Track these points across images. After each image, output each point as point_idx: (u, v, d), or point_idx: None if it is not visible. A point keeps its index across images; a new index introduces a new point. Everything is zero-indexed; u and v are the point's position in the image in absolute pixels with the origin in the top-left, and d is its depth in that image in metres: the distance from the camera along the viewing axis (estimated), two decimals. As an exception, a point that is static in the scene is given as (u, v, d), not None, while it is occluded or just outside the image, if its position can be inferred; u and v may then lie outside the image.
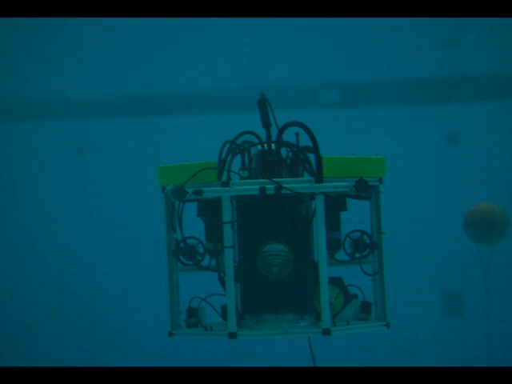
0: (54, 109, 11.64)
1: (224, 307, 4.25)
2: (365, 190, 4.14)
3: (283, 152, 4.31)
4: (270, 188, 4.10)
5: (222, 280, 4.27)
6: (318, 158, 4.18)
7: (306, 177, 4.28)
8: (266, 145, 4.27)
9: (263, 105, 4.29)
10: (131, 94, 11.43)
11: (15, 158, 11.79)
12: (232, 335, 4.12)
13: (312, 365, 4.59)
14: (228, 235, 4.13)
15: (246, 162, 4.44)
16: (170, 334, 4.32)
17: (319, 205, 4.12)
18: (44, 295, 11.49)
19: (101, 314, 11.26)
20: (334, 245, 4.30)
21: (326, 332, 4.10)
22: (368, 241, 4.29)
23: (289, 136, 4.29)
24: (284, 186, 4.09)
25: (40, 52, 11.49)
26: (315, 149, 4.20)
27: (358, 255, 4.29)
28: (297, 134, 4.29)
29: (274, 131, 4.28)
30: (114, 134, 11.47)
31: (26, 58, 11.56)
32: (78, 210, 11.52)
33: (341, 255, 4.34)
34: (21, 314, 11.55)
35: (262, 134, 4.30)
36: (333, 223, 4.29)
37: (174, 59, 11.11)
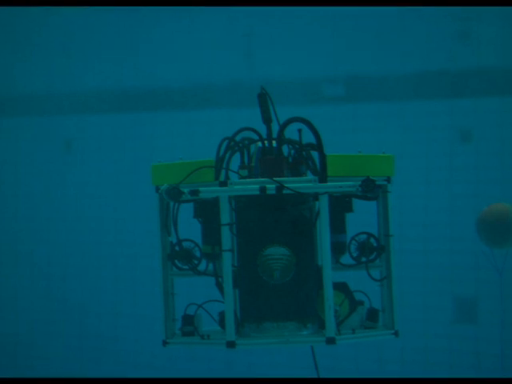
0: (41, 104, 11.63)
1: (222, 314, 4.25)
2: (372, 189, 4.13)
3: (285, 150, 4.31)
4: (271, 188, 4.10)
5: (219, 285, 4.27)
6: (322, 156, 4.18)
7: (309, 176, 4.27)
8: (266, 142, 4.27)
9: (264, 99, 4.29)
10: (123, 87, 11.42)
11: (0, 156, 11.78)
12: (230, 344, 4.12)
13: (315, 376, 4.58)
14: (226, 238, 4.13)
15: (246, 160, 4.44)
16: (165, 343, 4.33)
17: (323, 206, 4.12)
18: (30, 301, 11.47)
19: (91, 320, 11.25)
20: (338, 248, 4.30)
21: (331, 341, 4.10)
22: (375, 244, 4.30)
23: (291, 133, 4.29)
24: (286, 185, 4.09)
25: (26, 44, 11.49)
26: (319, 146, 4.20)
27: (364, 259, 4.29)
28: (299, 131, 4.29)
29: (275, 127, 4.28)
30: (105, 130, 11.47)
31: (11, 51, 11.55)
32: (66, 211, 11.51)
33: (346, 259, 4.34)
34: (5, 320, 11.54)
35: (263, 130, 4.30)
36: (338, 225, 4.29)
37: (168, 51, 11.10)
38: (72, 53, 11.44)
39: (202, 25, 10.93)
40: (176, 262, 4.32)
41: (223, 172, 4.26)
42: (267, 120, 4.28)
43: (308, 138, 4.25)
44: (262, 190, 4.09)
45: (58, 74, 11.52)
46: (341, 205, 4.32)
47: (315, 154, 4.26)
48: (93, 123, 11.50)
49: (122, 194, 11.30)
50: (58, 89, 11.55)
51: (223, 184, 4.13)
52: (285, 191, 4.09)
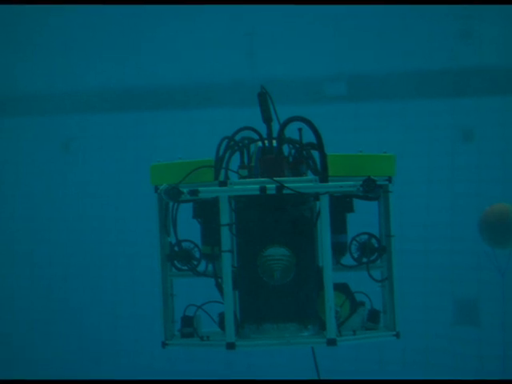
0: (42, 103, 11.62)
1: (221, 315, 4.22)
2: (373, 189, 4.11)
3: (285, 149, 4.28)
4: (271, 188, 4.07)
5: (219, 286, 4.25)
6: (323, 156, 4.16)
7: (310, 176, 4.25)
8: (266, 141, 4.25)
9: (263, 98, 4.27)
10: (125, 86, 11.41)
11: (1, 156, 11.77)
12: (230, 346, 4.10)
13: (316, 377, 4.56)
14: (226, 238, 4.10)
15: (246, 159, 4.41)
16: (164, 345, 4.31)
17: (324, 206, 4.09)
18: (30, 301, 11.46)
19: (90, 321, 11.24)
20: (339, 249, 4.28)
21: (331, 342, 4.08)
22: (376, 244, 4.28)
23: (291, 132, 4.26)
24: (286, 185, 4.07)
25: (27, 43, 11.47)
26: (319, 146, 4.18)
27: (365, 260, 4.27)
28: (300, 130, 4.26)
29: (275, 127, 4.25)
30: (107, 129, 11.46)
31: (12, 50, 11.54)
32: (67, 210, 11.50)
33: (347, 260, 4.31)
34: (4, 321, 11.53)
35: (263, 129, 4.27)
36: (338, 225, 4.27)
37: (170, 50, 11.08)
38: (73, 52, 11.43)
39: (204, 24, 10.92)
40: (175, 262, 4.29)
41: (223, 172, 4.23)
42: (267, 119, 4.26)
43: (309, 137, 4.22)
44: (262, 189, 4.07)
45: (60, 73, 11.51)
46: (342, 205, 4.30)
47: (316, 154, 4.23)
48: (94, 122, 11.49)
49: (123, 193, 11.29)
50: (59, 88, 11.54)
51: (223, 184, 4.11)
52: (285, 191, 4.06)
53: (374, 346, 9.74)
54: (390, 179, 4.25)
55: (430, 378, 8.62)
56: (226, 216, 4.09)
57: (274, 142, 4.23)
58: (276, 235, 4.12)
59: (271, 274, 4.10)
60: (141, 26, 11.13)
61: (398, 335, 4.27)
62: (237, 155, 4.36)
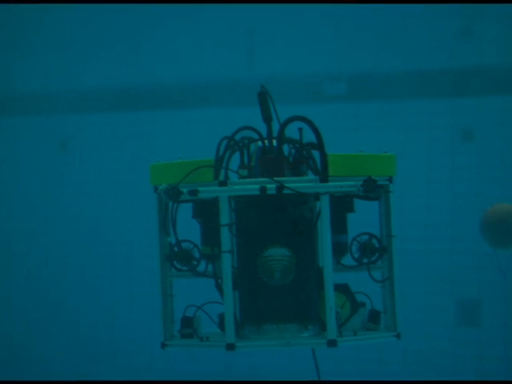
0: (39, 103, 11.61)
1: (221, 316, 4.22)
2: (373, 189, 4.11)
3: (285, 149, 4.28)
4: (271, 188, 4.07)
5: (219, 287, 4.24)
6: (323, 156, 4.16)
7: (310, 176, 4.25)
8: (266, 141, 4.24)
9: (264, 98, 4.26)
10: (122, 86, 11.40)
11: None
12: (230, 346, 4.09)
13: (316, 378, 4.56)
14: (226, 239, 4.09)
15: (246, 159, 4.40)
16: (163, 345, 4.30)
17: (324, 206, 4.09)
18: (27, 301, 11.45)
19: (87, 322, 11.23)
20: (340, 249, 4.27)
21: (332, 343, 4.07)
22: (377, 245, 4.27)
23: (291, 131, 4.26)
24: (286, 185, 4.06)
25: (24, 42, 11.46)
26: (320, 145, 4.17)
27: (365, 260, 4.26)
28: (300, 130, 4.26)
29: (275, 126, 4.25)
30: (104, 128, 11.45)
31: (9, 49, 11.53)
32: (65, 210, 11.50)
33: (347, 260, 4.31)
34: (1, 321, 11.51)
35: (263, 129, 4.27)
36: (339, 226, 4.26)
37: (167, 49, 11.08)
38: (70, 51, 11.42)
39: (203, 22, 10.91)
40: (175, 263, 4.29)
41: (223, 172, 4.22)
42: (267, 119, 4.25)
43: (309, 137, 4.22)
44: (262, 189, 4.06)
45: (57, 72, 11.50)
46: (342, 205, 4.29)
47: (316, 154, 4.23)
48: (91, 122, 11.48)
49: (120, 192, 11.29)
50: (56, 88, 11.53)
51: (223, 184, 4.10)
52: (285, 191, 4.06)
53: (374, 347, 9.73)
54: (390, 179, 4.24)
55: (431, 379, 8.61)
56: (225, 216, 4.08)
57: (274, 142, 4.22)
58: (276, 235, 4.11)
59: (271, 274, 4.10)
60: (138, 25, 11.13)
61: (398, 336, 4.27)
62: (237, 155, 4.36)
